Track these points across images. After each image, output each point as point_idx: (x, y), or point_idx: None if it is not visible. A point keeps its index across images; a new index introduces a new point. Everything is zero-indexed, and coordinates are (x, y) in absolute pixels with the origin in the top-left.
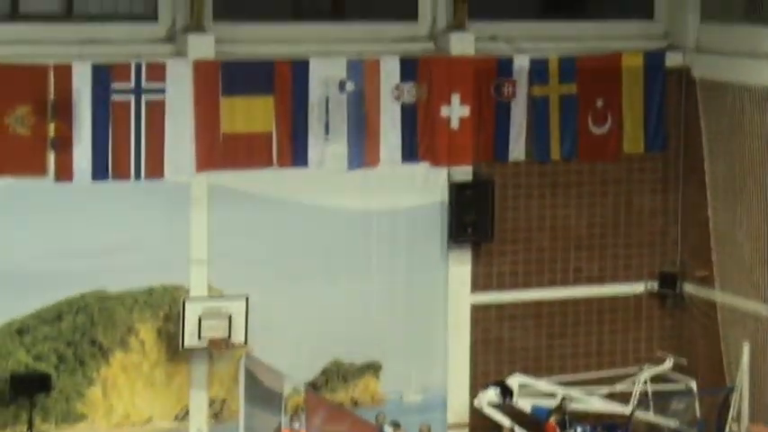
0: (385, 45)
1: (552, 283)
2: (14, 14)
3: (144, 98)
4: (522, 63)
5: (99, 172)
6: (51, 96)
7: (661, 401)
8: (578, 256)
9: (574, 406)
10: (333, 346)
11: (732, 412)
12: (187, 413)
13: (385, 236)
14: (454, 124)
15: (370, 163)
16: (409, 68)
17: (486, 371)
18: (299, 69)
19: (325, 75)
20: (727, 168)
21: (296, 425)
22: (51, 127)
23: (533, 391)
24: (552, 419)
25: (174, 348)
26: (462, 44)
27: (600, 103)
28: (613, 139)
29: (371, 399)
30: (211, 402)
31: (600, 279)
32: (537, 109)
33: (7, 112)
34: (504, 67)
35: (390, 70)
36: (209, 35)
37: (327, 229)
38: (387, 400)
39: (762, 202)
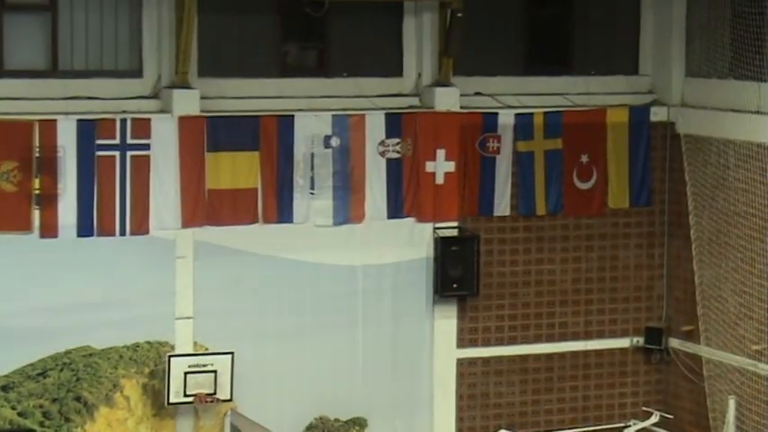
0: (370, 101)
1: (538, 337)
2: (0, 70)
3: (129, 154)
4: (507, 118)
5: (84, 228)
6: (37, 152)
7: None
8: (564, 311)
9: None
10: (318, 401)
11: None
12: None
13: (370, 291)
14: (439, 179)
15: (355, 218)
16: (394, 124)
17: (472, 426)
18: (285, 125)
19: (311, 130)
20: (712, 223)
21: None
22: (36, 183)
23: None
24: None
25: (159, 404)
26: (447, 100)
27: (585, 158)
28: (598, 194)
29: None
30: None
31: (586, 334)
32: (522, 164)
33: None
34: (489, 122)
35: (375, 126)
36: (195, 91)
37: (313, 285)
38: None
39: (746, 256)
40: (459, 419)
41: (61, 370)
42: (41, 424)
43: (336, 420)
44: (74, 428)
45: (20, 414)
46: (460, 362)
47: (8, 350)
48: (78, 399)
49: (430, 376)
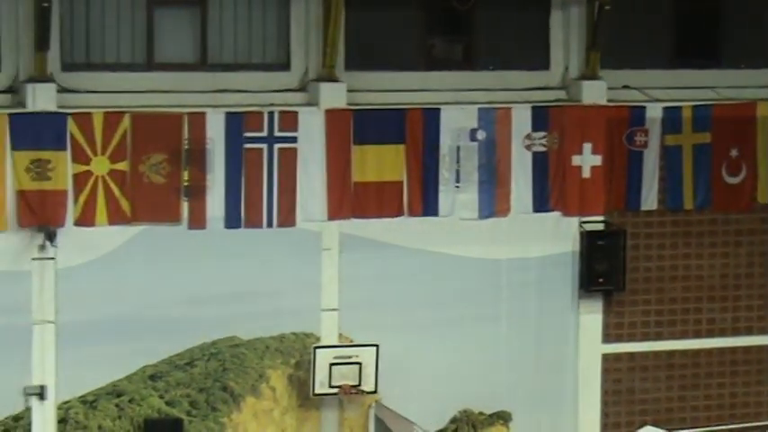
0: (516, 94)
1: (684, 333)
2: (150, 63)
3: (276, 146)
4: (654, 112)
5: (232, 219)
6: (186, 144)
7: None
8: (711, 306)
9: None
10: (462, 394)
11: None
12: None
13: (515, 285)
14: (586, 173)
15: (500, 212)
16: (541, 117)
17: (616, 422)
18: (431, 118)
19: (457, 123)
20: None
21: None
22: (185, 175)
23: None
24: None
25: (304, 395)
26: (594, 93)
27: (734, 153)
28: (747, 189)
29: None
30: None
31: (733, 330)
32: (670, 158)
33: (143, 160)
34: (636, 115)
35: (522, 119)
36: (341, 84)
37: (457, 278)
38: None
39: None
40: (604, 415)
41: (208, 360)
42: (188, 413)
43: (480, 414)
44: (220, 418)
45: (167, 403)
46: (606, 357)
47: (156, 340)
48: (225, 389)
49: (574, 371)
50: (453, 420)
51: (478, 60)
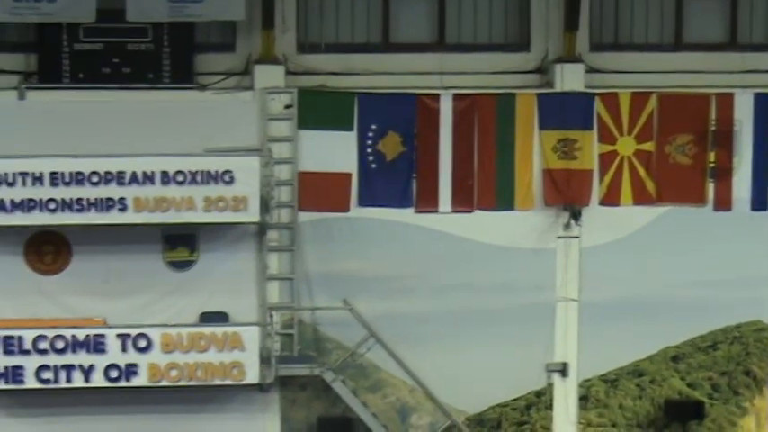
0: None
1: None
2: (678, 44)
3: None
4: None
5: (758, 202)
6: (713, 125)
7: None
8: None
9: None
10: None
11: None
12: None
13: None
14: None
15: None
16: None
17: None
18: None
19: None
20: None
21: None
22: (711, 156)
23: None
24: None
25: None
26: None
27: None
28: None
29: None
30: None
31: None
32: None
33: (669, 141)
34: None
35: None
36: None
37: None
38: None
39: None
40: None
41: (731, 343)
42: (709, 396)
43: None
44: (742, 402)
45: (689, 385)
46: None
47: (679, 321)
48: (747, 373)
49: None
50: None
51: None
